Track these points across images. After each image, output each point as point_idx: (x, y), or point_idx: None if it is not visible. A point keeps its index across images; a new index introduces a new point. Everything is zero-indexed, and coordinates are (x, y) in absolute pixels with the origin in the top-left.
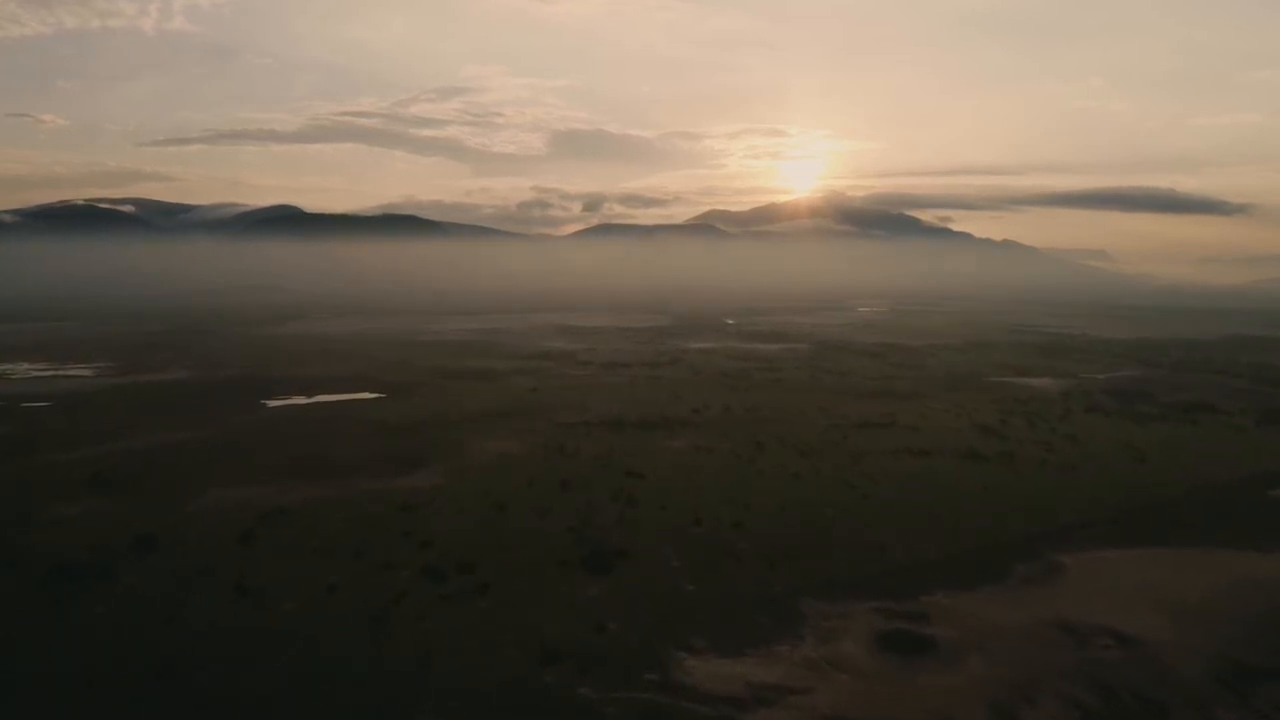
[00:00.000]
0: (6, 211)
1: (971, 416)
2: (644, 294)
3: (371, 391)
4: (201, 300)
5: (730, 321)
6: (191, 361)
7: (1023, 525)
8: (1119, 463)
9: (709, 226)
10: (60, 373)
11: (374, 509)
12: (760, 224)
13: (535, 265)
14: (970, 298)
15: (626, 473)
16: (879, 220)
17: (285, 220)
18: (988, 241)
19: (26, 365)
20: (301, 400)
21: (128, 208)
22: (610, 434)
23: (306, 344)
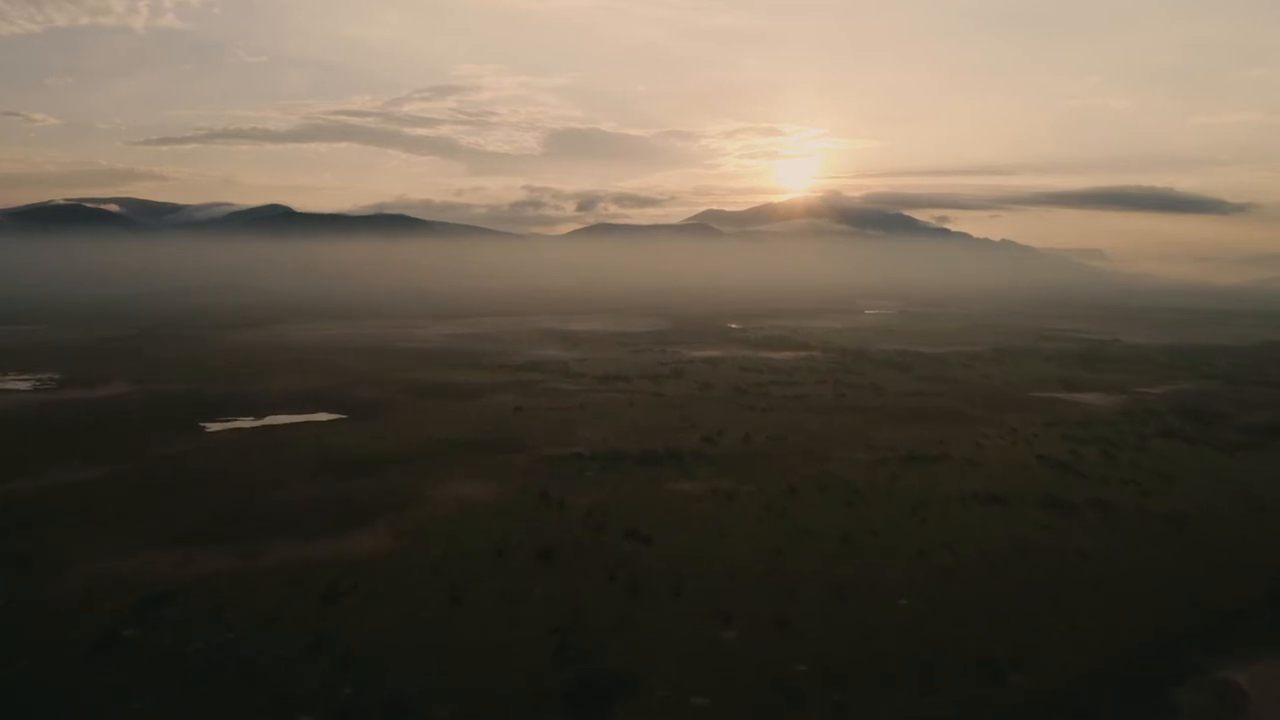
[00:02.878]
0: None
1: (1033, 444)
2: (640, 295)
3: (331, 412)
4: (179, 302)
5: (734, 325)
6: (141, 372)
7: (1157, 618)
8: (1235, 510)
9: (705, 226)
10: None
11: (290, 594)
12: (756, 224)
13: (528, 266)
14: (977, 299)
15: (627, 534)
16: (876, 220)
17: (275, 219)
18: (985, 241)
19: None
20: (248, 423)
21: (112, 206)
22: (606, 473)
23: (275, 352)
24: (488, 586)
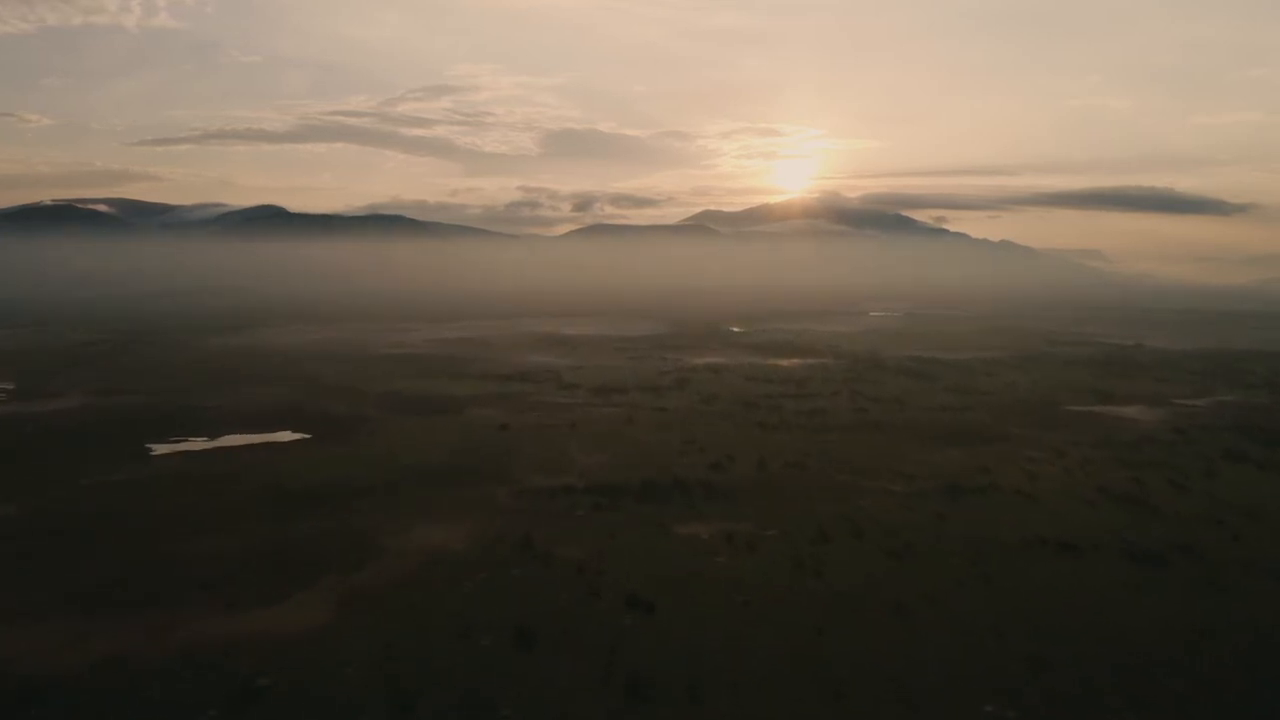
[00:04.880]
0: None
1: (1088, 470)
2: (638, 297)
3: (296, 430)
4: (165, 304)
5: (736, 329)
6: (103, 382)
7: None
8: None
9: (702, 227)
10: None
11: (195, 692)
12: (754, 224)
13: (523, 267)
14: (979, 300)
15: (627, 601)
16: (874, 220)
17: (269, 220)
18: (984, 241)
19: None
20: (200, 444)
21: (101, 207)
22: (600, 512)
23: (250, 359)
24: (445, 685)
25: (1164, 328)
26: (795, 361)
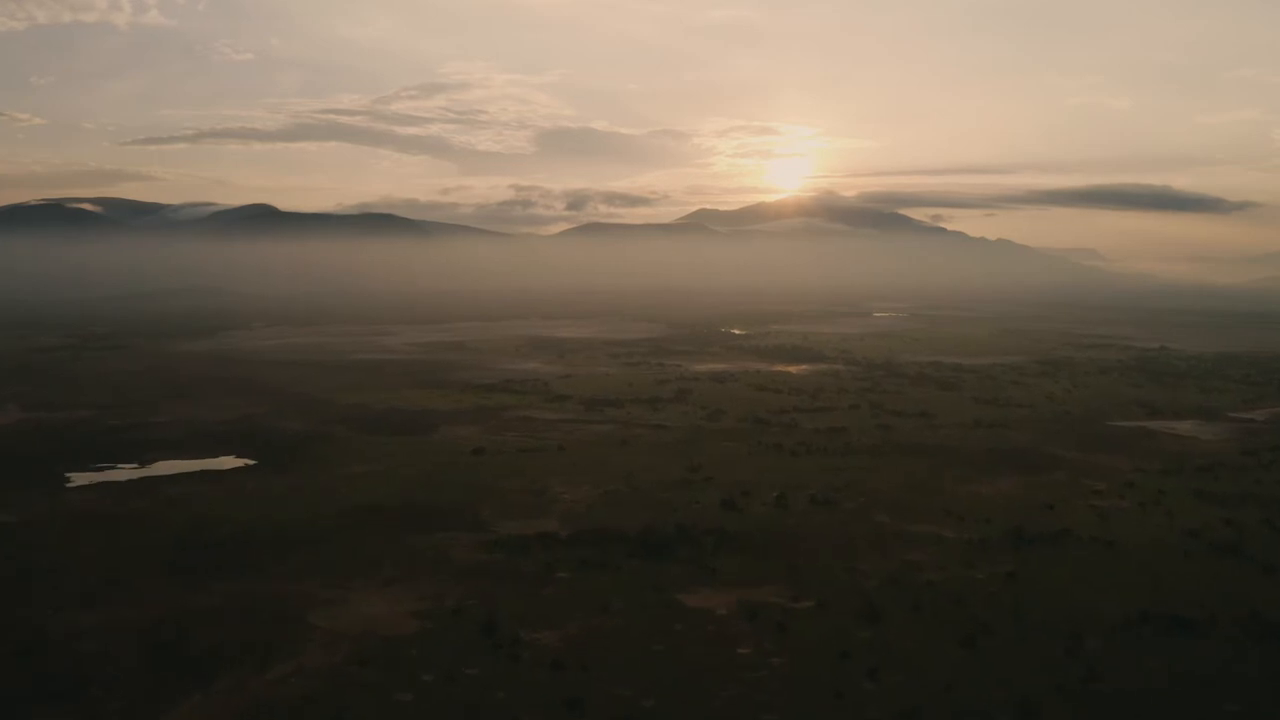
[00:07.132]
0: None
1: (1167, 507)
2: (633, 297)
3: (241, 454)
4: (146, 305)
5: (737, 332)
6: (46, 394)
7: None
8: None
9: (698, 226)
10: None
11: None
12: (749, 223)
13: (517, 266)
14: (982, 300)
15: None
16: (871, 219)
17: (261, 219)
18: (982, 240)
19: None
20: (126, 473)
21: (89, 205)
22: (586, 572)
23: (215, 365)
24: None
25: (1180, 329)
26: (804, 368)
